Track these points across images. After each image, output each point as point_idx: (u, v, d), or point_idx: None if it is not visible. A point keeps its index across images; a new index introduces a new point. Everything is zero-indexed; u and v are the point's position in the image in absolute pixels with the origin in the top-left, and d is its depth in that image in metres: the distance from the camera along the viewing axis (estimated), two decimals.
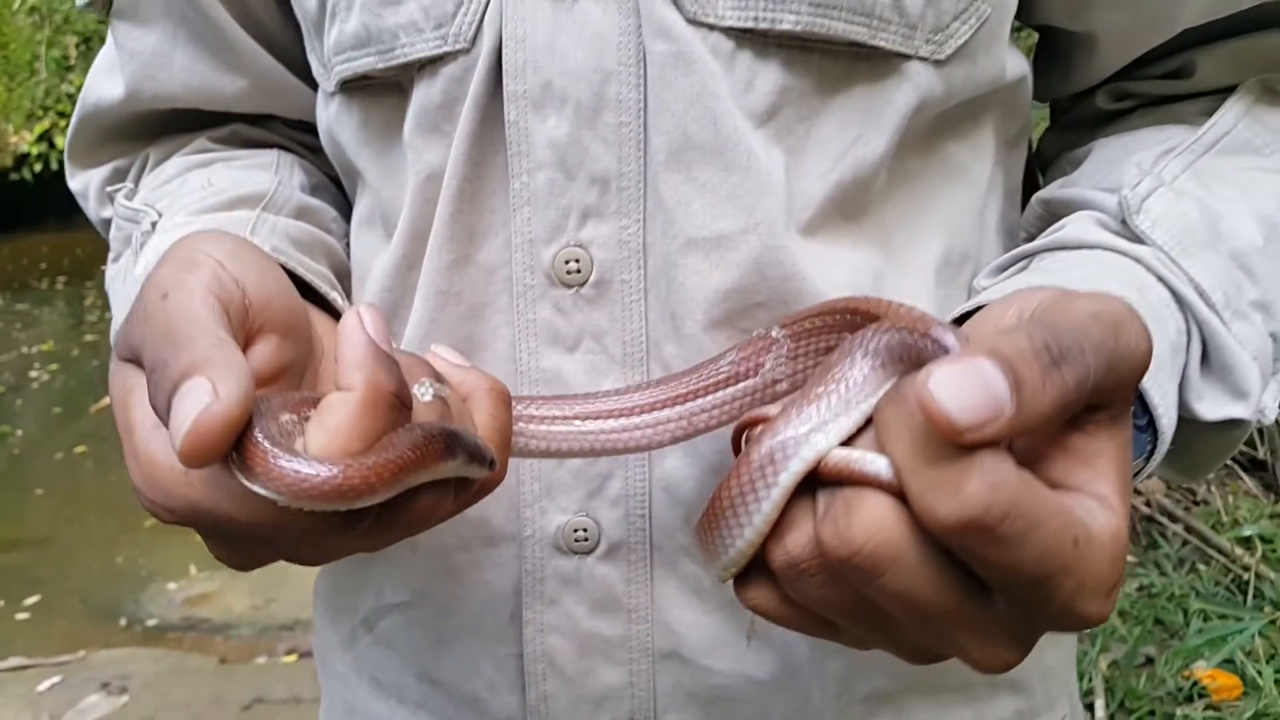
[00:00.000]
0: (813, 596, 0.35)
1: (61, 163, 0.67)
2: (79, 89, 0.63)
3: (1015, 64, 0.56)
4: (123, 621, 3.02)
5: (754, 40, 0.47)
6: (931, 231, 0.54)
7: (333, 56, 0.54)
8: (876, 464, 0.32)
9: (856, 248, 0.52)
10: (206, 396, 0.33)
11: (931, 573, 0.32)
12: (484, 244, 0.52)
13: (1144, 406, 0.43)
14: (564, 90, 0.48)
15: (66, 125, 0.67)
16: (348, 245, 0.62)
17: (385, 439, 0.35)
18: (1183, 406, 0.46)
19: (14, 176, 7.81)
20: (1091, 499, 0.32)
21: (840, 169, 0.50)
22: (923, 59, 0.49)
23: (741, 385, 0.44)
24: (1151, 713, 2.13)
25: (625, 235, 0.50)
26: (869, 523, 0.32)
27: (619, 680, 0.54)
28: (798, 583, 0.35)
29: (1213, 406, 0.47)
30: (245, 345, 0.40)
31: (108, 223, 0.64)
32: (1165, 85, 0.58)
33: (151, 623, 3.03)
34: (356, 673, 0.64)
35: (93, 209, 0.67)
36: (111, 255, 0.62)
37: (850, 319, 0.42)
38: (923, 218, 0.54)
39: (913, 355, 0.34)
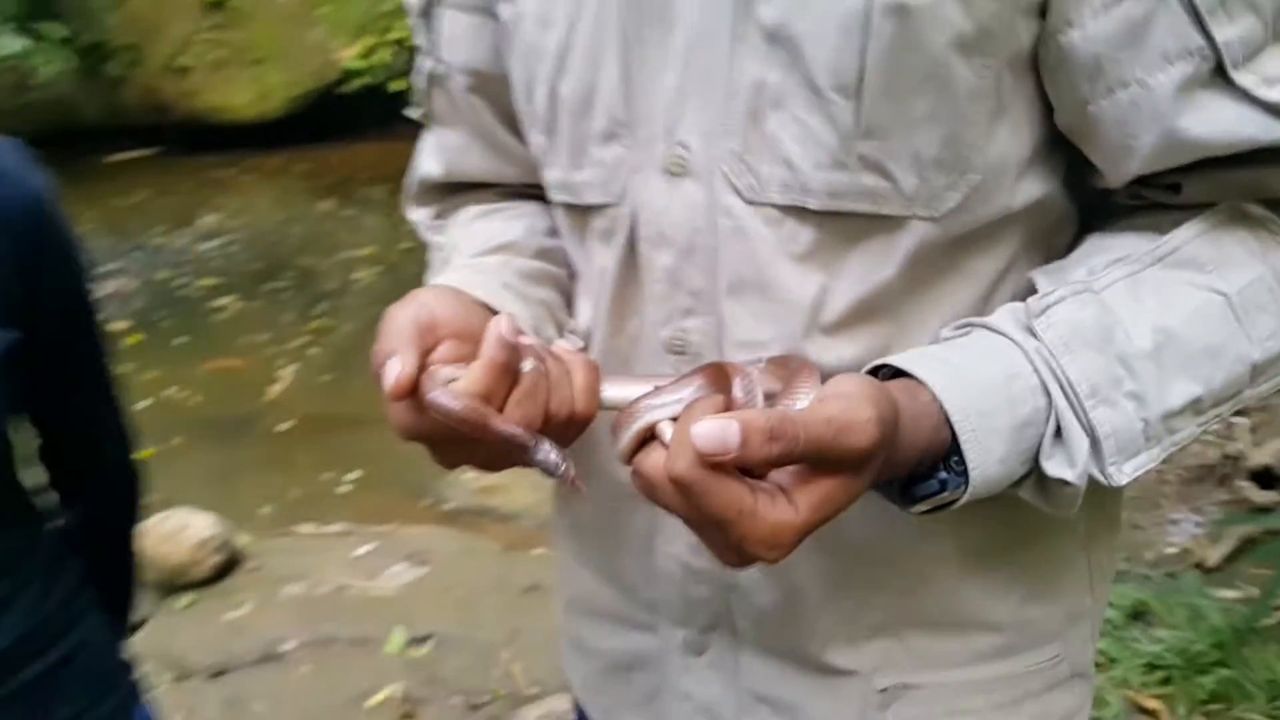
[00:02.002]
0: (644, 489, 0.59)
1: (382, 77, 0.88)
2: (398, 7, 0.81)
3: (1030, 191, 0.70)
4: (427, 501, 3.35)
5: (795, 210, 0.68)
6: (936, 316, 0.71)
7: (547, 187, 0.80)
8: (668, 436, 0.57)
9: (869, 333, 0.70)
10: (399, 366, 0.61)
11: (678, 499, 0.55)
12: (629, 322, 0.77)
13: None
14: (671, 237, 0.72)
15: (387, 43, 0.84)
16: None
17: (508, 406, 0.61)
18: (1038, 461, 0.63)
19: (340, 90, 8.51)
20: (785, 499, 0.55)
21: (860, 289, 0.69)
22: (921, 218, 0.67)
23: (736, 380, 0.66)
24: None
25: (708, 328, 0.73)
26: (650, 462, 0.57)
27: (705, 595, 0.79)
28: (638, 479, 0.59)
29: (1054, 466, 0.63)
30: (434, 343, 0.65)
31: (429, 245, 0.93)
32: (1163, 195, 0.69)
33: (449, 506, 3.33)
34: (566, 552, 0.94)
35: (421, 233, 0.96)
36: (431, 270, 0.89)
37: (786, 362, 0.65)
38: (930, 307, 0.71)
39: (723, 387, 0.59)
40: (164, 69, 8.43)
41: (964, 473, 0.61)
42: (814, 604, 0.77)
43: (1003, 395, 0.62)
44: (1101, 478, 0.63)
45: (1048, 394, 0.63)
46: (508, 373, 0.60)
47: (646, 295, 0.75)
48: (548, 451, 0.60)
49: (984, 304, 0.72)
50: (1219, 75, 0.62)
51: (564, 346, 0.70)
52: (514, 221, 0.87)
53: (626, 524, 0.82)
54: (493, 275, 0.78)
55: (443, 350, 0.64)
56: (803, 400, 0.58)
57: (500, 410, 0.60)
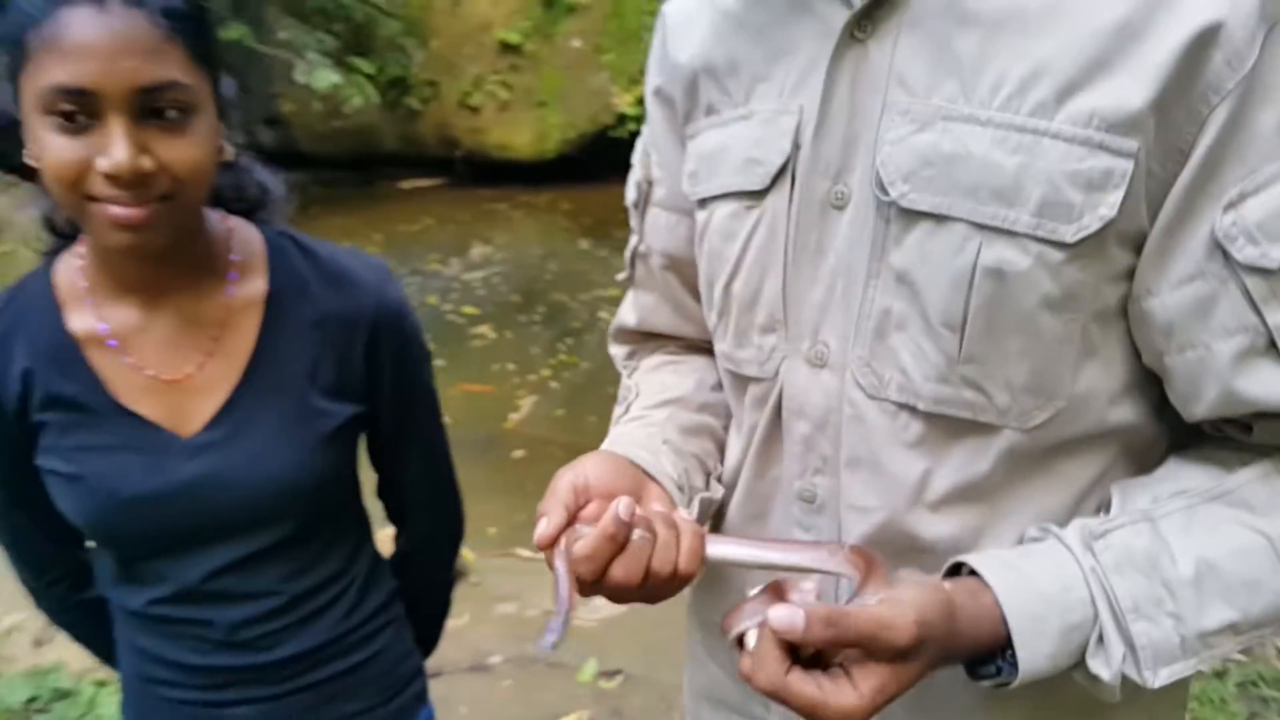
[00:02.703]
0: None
1: None
2: None
3: (1122, 415, 0.81)
4: None
5: (907, 407, 0.82)
6: (1030, 509, 0.82)
7: (717, 354, 0.98)
8: (752, 644, 0.73)
9: (965, 514, 0.83)
10: (545, 526, 0.80)
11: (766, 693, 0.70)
12: (769, 471, 0.94)
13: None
14: (809, 412, 0.88)
15: None
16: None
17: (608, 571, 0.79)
18: (1083, 658, 0.74)
19: (612, 134, 8.86)
20: (851, 685, 0.69)
21: (959, 477, 0.83)
22: (1012, 428, 0.79)
23: (817, 552, 0.83)
24: None
25: (831, 487, 0.88)
26: (742, 665, 0.71)
27: None
28: (738, 673, 0.73)
29: (1095, 665, 0.74)
30: (584, 501, 0.82)
31: (621, 378, 1.14)
32: (1237, 432, 0.79)
33: None
34: (698, 645, 1.11)
35: (618, 366, 1.18)
36: (619, 402, 1.08)
37: (865, 554, 0.79)
38: (1022, 501, 0.83)
39: (784, 593, 0.77)
40: (457, 105, 9.17)
41: (1016, 663, 0.73)
42: None
43: (1056, 604, 0.74)
44: (1138, 679, 0.74)
45: (1095, 605, 0.74)
46: (615, 541, 0.77)
47: (785, 452, 0.91)
48: (550, 636, 0.76)
49: (1078, 504, 0.83)
50: (1272, 348, 0.73)
51: (681, 515, 0.85)
52: (686, 377, 1.07)
53: None
54: (656, 431, 0.96)
55: (588, 510, 0.82)
56: (870, 600, 0.72)
57: (607, 566, 0.77)
